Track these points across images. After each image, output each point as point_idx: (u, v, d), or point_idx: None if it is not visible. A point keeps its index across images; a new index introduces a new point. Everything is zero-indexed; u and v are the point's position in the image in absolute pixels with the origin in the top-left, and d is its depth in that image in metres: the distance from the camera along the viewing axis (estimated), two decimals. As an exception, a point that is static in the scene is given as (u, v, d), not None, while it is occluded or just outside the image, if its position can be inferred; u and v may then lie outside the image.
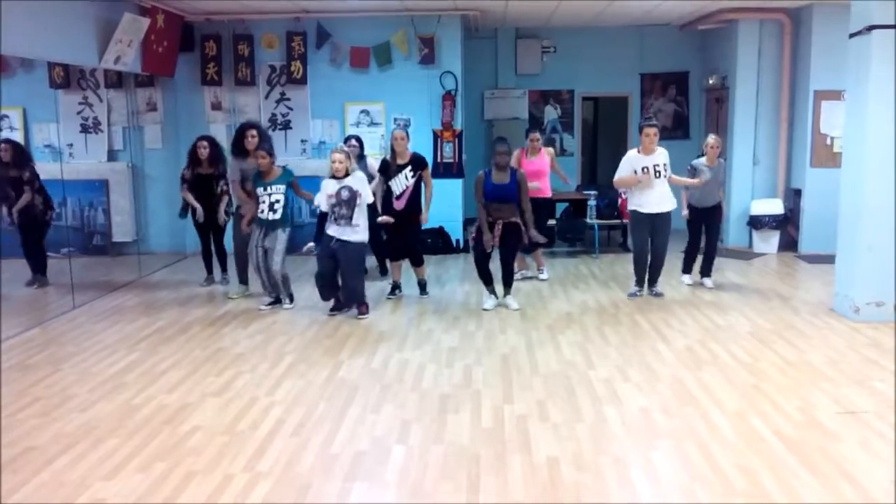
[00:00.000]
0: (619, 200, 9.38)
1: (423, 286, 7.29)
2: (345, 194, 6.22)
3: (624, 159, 7.06)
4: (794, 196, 9.54)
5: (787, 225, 9.51)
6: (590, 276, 8.17)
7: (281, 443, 4.00)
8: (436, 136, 9.56)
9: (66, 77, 9.18)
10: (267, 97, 9.54)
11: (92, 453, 3.89)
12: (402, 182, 6.88)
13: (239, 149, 7.11)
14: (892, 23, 5.88)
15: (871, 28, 5.94)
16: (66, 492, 3.50)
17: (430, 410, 4.44)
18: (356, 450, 3.91)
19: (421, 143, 9.24)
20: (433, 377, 5.01)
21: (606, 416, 4.30)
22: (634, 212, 7.03)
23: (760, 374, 5.00)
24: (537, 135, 7.91)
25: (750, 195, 9.66)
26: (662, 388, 4.75)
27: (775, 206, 9.41)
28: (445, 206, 9.46)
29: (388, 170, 6.94)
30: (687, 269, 7.68)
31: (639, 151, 6.94)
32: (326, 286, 6.47)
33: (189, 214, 7.60)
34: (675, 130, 11.25)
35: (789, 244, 9.49)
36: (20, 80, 8.60)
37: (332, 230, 6.29)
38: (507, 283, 6.83)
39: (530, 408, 4.45)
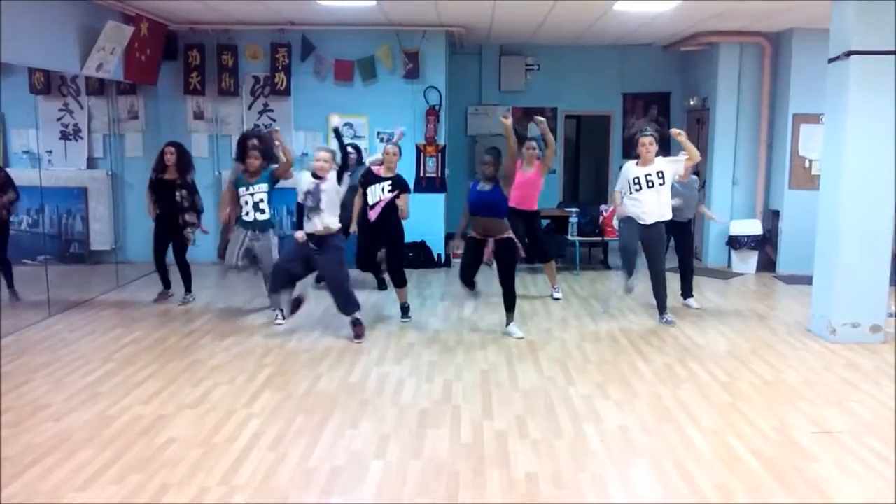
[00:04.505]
0: (601, 218, 9.44)
1: (405, 310, 6.87)
2: (315, 190, 6.01)
3: (621, 170, 6.92)
4: (772, 217, 9.66)
5: (765, 245, 9.61)
6: (570, 293, 8.20)
7: (258, 456, 3.96)
8: (419, 150, 9.58)
9: (47, 83, 9.09)
10: (250, 108, 9.52)
11: (65, 464, 3.83)
12: (377, 193, 6.69)
13: (242, 157, 7.06)
14: (871, 49, 5.99)
15: (849, 53, 6.04)
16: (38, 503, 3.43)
17: (409, 425, 4.42)
18: (334, 464, 3.88)
19: (404, 158, 9.22)
20: (412, 392, 4.99)
21: (585, 433, 4.31)
22: (628, 216, 6.74)
23: (738, 393, 5.03)
24: (534, 143, 7.56)
25: (729, 215, 9.74)
26: (641, 406, 4.77)
27: (754, 227, 9.51)
28: (427, 220, 9.47)
29: (368, 178, 6.80)
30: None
31: (637, 163, 6.72)
32: (280, 280, 6.17)
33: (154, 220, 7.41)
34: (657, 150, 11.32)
35: (767, 264, 9.59)
36: (-1, 84, 8.53)
37: (307, 226, 6.04)
38: (510, 307, 6.36)
39: (509, 423, 4.44)
